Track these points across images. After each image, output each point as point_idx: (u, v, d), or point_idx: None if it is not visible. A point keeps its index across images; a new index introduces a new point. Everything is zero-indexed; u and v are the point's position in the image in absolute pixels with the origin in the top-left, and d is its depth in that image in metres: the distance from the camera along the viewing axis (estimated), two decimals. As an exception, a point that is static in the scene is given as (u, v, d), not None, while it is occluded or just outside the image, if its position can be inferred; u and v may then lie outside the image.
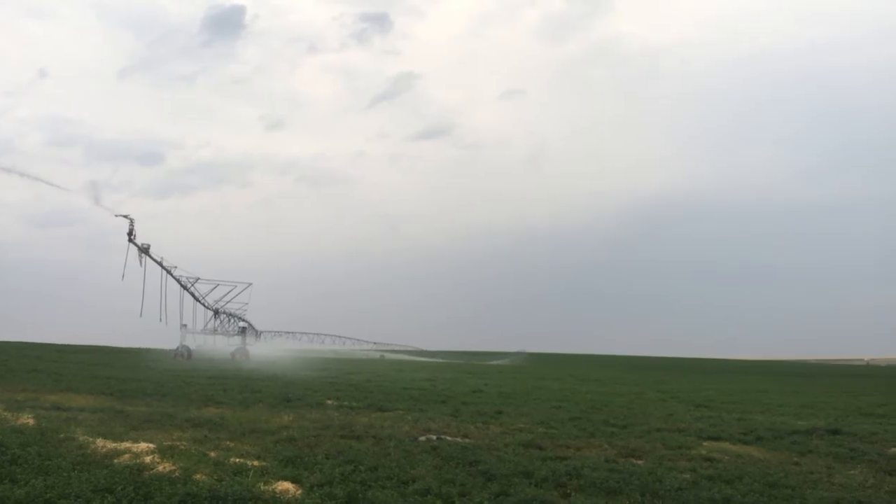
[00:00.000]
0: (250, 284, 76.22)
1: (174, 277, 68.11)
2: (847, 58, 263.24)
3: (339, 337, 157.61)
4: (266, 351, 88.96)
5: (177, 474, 10.02)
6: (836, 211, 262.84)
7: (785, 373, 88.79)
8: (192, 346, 72.67)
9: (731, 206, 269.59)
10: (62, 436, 13.02)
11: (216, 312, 76.26)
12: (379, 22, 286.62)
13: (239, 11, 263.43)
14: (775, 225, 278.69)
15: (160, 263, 65.59)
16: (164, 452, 11.61)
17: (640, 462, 13.35)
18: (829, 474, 12.86)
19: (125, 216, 63.04)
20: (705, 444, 16.37)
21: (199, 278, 71.86)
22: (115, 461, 10.88)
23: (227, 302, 76.65)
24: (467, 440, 15.20)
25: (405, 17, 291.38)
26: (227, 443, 13.40)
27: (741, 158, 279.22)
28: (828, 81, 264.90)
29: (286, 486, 9.84)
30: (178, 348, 69.35)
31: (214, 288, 74.34)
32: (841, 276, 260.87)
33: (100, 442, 12.47)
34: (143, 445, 12.20)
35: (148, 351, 79.17)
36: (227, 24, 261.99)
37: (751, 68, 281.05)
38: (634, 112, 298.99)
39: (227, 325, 78.26)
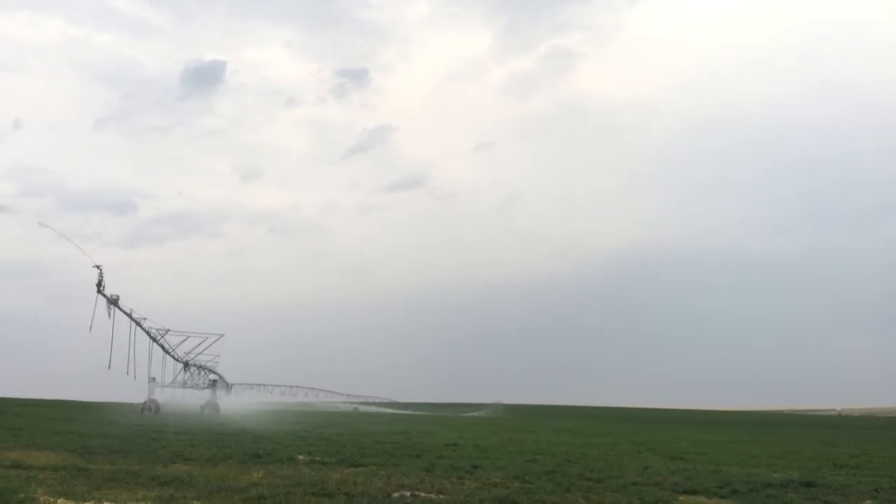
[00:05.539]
0: (222, 336, 74.81)
1: (143, 329, 66.66)
2: (808, 112, 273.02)
3: (313, 389, 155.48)
4: (237, 404, 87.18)
5: (141, 536, 9.72)
6: (800, 262, 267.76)
7: (758, 422, 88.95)
8: (161, 400, 70.85)
9: (700, 256, 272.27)
10: (22, 496, 12.58)
11: (186, 365, 74.64)
12: (357, 78, 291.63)
13: (219, 67, 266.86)
14: (744, 276, 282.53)
15: (129, 315, 64.20)
16: (129, 513, 11.26)
17: (616, 517, 13.20)
18: (804, 528, 12.83)
19: (95, 266, 61.98)
20: (681, 497, 16.27)
21: (169, 330, 70.40)
22: (77, 523, 10.53)
23: (198, 354, 75.14)
24: (441, 496, 14.94)
25: (379, 72, 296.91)
26: (194, 502, 13.04)
27: (708, 210, 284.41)
28: (790, 135, 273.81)
29: (255, 547, 9.58)
30: (145, 402, 67.57)
31: (185, 339, 72.77)
32: (811, 326, 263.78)
33: (61, 502, 12.09)
34: (106, 506, 11.84)
35: (115, 405, 77.08)
36: (204, 78, 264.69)
37: (714, 124, 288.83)
38: (601, 166, 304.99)
39: (197, 378, 76.54)
